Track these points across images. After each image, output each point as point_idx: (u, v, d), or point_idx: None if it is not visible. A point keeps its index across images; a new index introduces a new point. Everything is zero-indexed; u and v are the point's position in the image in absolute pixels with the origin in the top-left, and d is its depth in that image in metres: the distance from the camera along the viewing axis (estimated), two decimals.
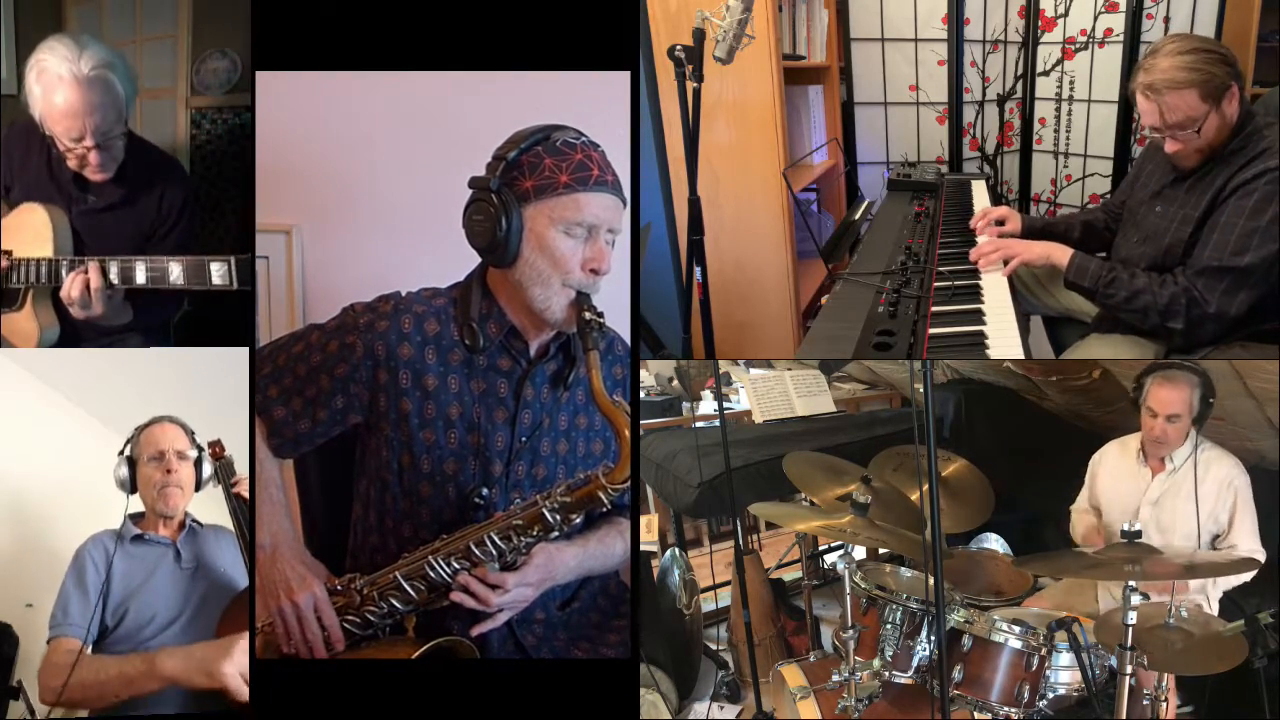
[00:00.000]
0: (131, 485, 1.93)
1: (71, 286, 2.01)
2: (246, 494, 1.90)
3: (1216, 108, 1.89)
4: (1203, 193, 1.97)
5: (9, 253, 2.10)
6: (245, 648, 1.76)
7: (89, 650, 1.81)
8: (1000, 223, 2.50)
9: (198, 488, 1.97)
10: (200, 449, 1.96)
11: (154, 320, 2.23)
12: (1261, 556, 2.04)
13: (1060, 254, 2.14)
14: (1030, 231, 2.45)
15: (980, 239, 2.44)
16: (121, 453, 1.94)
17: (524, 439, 1.71)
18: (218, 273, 1.98)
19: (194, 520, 1.99)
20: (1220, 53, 1.90)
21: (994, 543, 2.59)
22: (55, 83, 1.97)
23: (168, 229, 2.18)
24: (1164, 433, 2.09)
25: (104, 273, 2.01)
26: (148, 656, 1.78)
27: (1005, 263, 2.21)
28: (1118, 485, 2.23)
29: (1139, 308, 1.98)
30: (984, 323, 1.94)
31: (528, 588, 1.64)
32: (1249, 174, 1.90)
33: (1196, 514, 2.05)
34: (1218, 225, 1.92)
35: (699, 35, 1.98)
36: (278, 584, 1.62)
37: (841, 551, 2.05)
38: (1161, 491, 2.14)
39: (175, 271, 2.00)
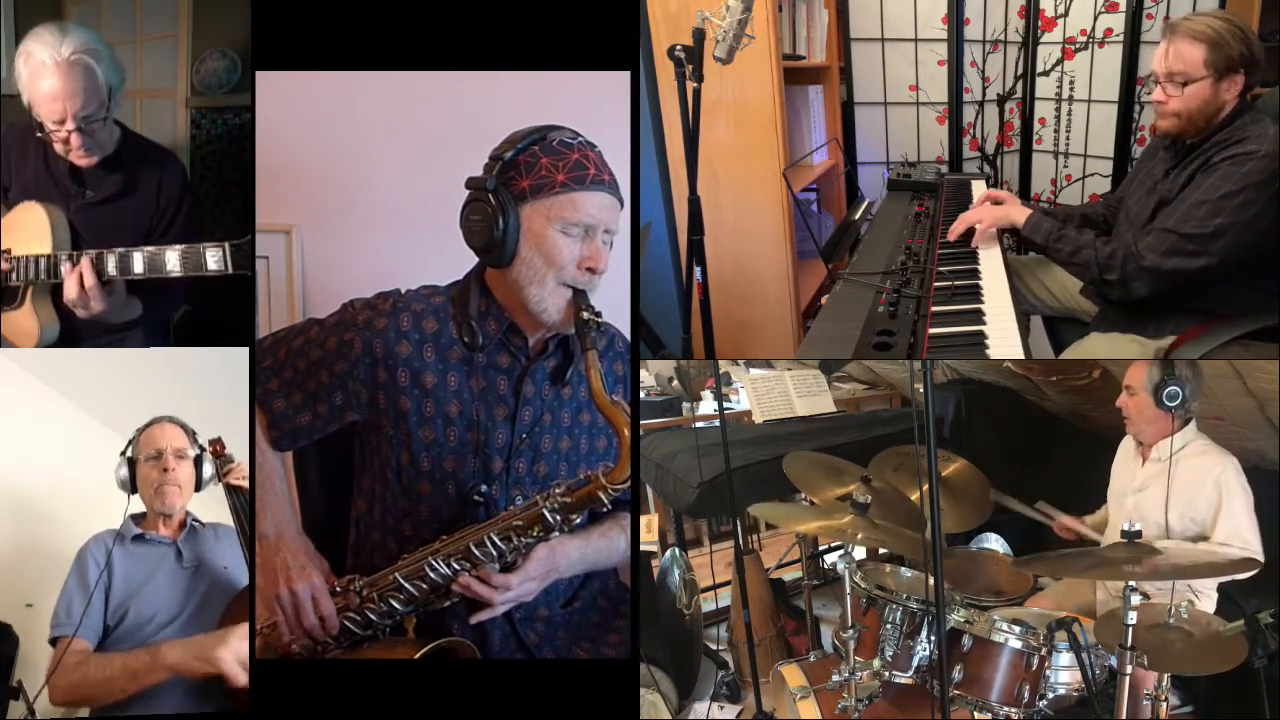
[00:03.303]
0: (132, 485, 1.94)
1: (69, 288, 2.02)
2: (242, 483, 1.91)
3: (1214, 80, 1.95)
4: (1183, 180, 2.01)
5: (8, 251, 2.10)
6: (243, 635, 1.78)
7: (92, 649, 1.82)
8: (997, 204, 2.51)
9: (199, 487, 1.97)
10: (201, 448, 1.97)
11: (163, 314, 2.24)
12: (1259, 555, 2.03)
13: (1018, 213, 2.25)
14: None
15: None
16: (123, 453, 1.95)
17: (524, 436, 1.72)
18: (213, 259, 1.99)
19: (195, 519, 1.99)
20: (1248, 36, 1.95)
21: (994, 543, 2.59)
22: (39, 68, 2.02)
23: (168, 221, 2.19)
24: (1125, 403, 2.13)
25: (97, 268, 2.02)
26: (151, 649, 1.80)
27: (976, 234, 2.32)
28: (1118, 478, 2.26)
29: (1081, 261, 2.08)
30: (984, 323, 1.94)
31: (531, 582, 1.65)
32: (1219, 157, 1.95)
33: (1165, 508, 2.05)
34: (1179, 198, 1.98)
35: (699, 35, 1.98)
36: (278, 570, 1.63)
37: (841, 551, 2.05)
38: (1145, 481, 2.14)
39: (172, 259, 2.01)
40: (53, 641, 1.84)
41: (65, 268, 2.03)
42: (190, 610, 1.89)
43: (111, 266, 2.02)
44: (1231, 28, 1.95)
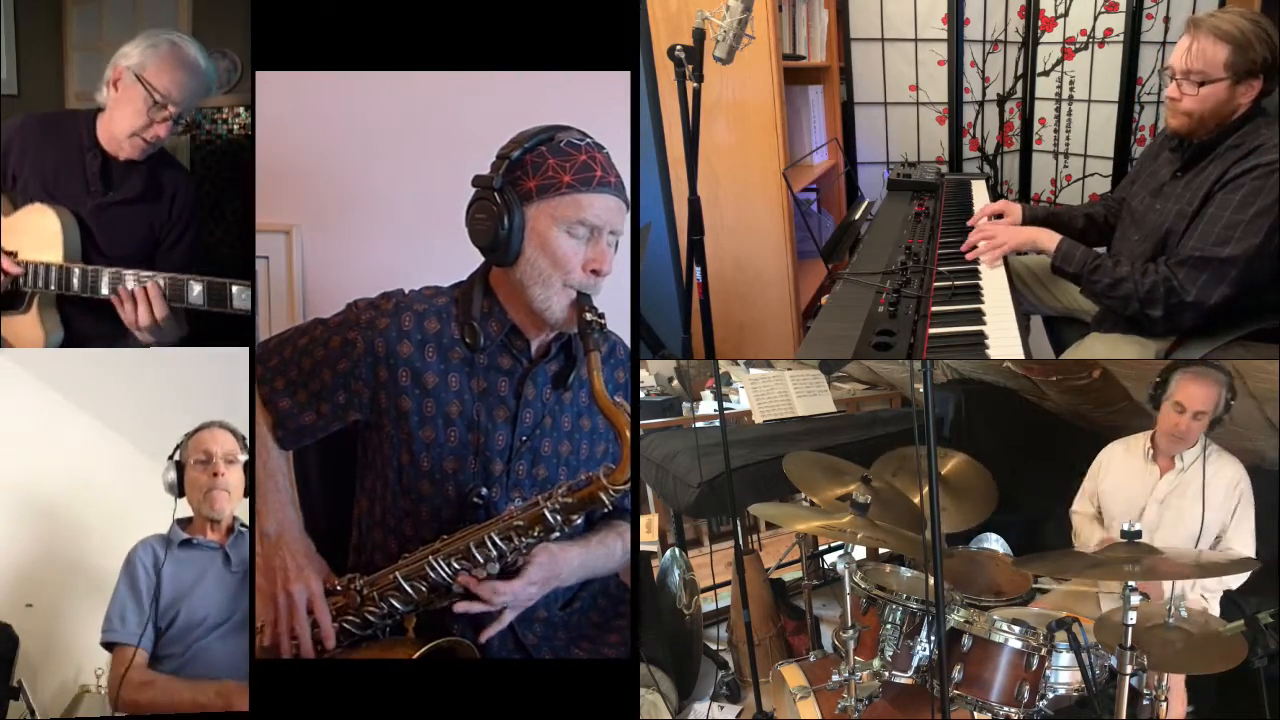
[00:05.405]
0: (179, 489, 1.94)
1: (141, 314, 2.02)
2: None
3: (1232, 83, 1.90)
4: (1199, 188, 1.98)
5: (14, 254, 2.09)
6: None
7: (147, 656, 1.86)
8: (998, 216, 2.46)
9: (247, 492, 1.97)
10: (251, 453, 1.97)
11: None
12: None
13: (1047, 239, 2.17)
14: (1032, 221, 2.42)
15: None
16: (171, 457, 1.95)
17: (524, 438, 1.71)
18: (240, 297, 2.00)
19: (241, 524, 2.00)
20: (1273, 40, 1.89)
21: (994, 543, 2.59)
22: (187, 58, 2.12)
23: (178, 234, 2.22)
24: (1188, 429, 2.09)
25: (114, 283, 2.03)
26: (224, 688, 1.84)
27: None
28: (1123, 484, 2.23)
29: (1121, 295, 2.00)
30: (984, 323, 1.94)
31: (532, 586, 1.65)
32: (1239, 169, 1.90)
33: (1202, 514, 2.05)
34: (1205, 217, 1.93)
35: (699, 35, 1.98)
36: (276, 570, 1.63)
37: (841, 551, 2.05)
38: (1169, 490, 2.13)
39: (195, 290, 2.02)
40: (107, 646, 1.88)
41: (118, 292, 2.03)
42: (240, 614, 1.92)
43: (129, 284, 2.03)
44: (1259, 30, 1.89)
